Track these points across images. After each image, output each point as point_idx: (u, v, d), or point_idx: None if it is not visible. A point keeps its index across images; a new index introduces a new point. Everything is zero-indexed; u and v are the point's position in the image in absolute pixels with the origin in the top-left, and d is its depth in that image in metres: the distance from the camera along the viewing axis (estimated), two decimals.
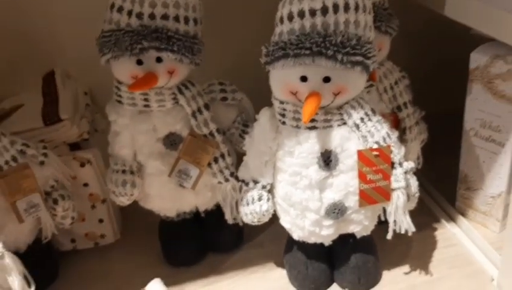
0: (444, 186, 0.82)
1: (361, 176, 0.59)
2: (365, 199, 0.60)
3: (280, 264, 0.73)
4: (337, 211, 0.61)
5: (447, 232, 0.77)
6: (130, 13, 0.60)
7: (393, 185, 0.60)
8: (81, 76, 0.86)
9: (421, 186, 0.79)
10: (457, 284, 0.68)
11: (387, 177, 0.60)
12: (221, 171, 0.68)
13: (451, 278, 0.69)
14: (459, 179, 0.77)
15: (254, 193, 0.63)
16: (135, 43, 0.59)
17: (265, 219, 0.65)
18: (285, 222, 0.65)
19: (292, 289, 0.70)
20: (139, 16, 0.60)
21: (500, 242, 0.70)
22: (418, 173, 0.64)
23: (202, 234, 0.76)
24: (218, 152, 0.68)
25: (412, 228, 0.61)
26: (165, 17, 0.60)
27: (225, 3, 0.85)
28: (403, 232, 0.62)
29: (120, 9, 0.60)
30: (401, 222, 0.61)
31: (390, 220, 0.61)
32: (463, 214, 0.78)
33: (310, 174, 0.60)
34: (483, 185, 0.74)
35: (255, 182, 0.64)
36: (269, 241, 0.78)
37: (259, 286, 0.71)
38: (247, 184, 0.64)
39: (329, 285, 0.69)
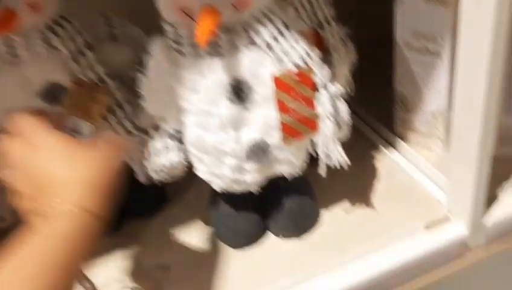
0: (381, 112, 0.74)
1: (281, 106, 0.50)
2: (289, 132, 0.51)
3: (209, 222, 0.64)
4: (259, 151, 0.52)
5: (388, 161, 0.70)
6: None
7: (319, 111, 0.51)
8: None
9: (355, 114, 0.72)
10: (404, 214, 0.62)
11: (310, 104, 0.51)
12: (121, 124, 0.58)
13: (398, 208, 0.62)
14: (395, 99, 0.70)
15: (158, 144, 0.53)
16: None
17: (178, 173, 0.55)
18: (201, 172, 0.56)
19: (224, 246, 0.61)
20: None
21: (445, 164, 0.64)
22: (350, 100, 0.57)
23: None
24: (112, 101, 0.57)
25: (345, 159, 0.53)
26: None
27: None
28: (336, 164, 0.54)
29: None
30: (332, 152, 0.52)
31: (320, 152, 0.53)
32: (403, 138, 0.71)
33: (220, 112, 0.50)
34: (422, 103, 0.67)
35: (158, 129, 0.53)
36: (195, 197, 0.68)
37: (187, 249, 0.62)
38: (149, 134, 0.54)
39: (262, 236, 0.61)
